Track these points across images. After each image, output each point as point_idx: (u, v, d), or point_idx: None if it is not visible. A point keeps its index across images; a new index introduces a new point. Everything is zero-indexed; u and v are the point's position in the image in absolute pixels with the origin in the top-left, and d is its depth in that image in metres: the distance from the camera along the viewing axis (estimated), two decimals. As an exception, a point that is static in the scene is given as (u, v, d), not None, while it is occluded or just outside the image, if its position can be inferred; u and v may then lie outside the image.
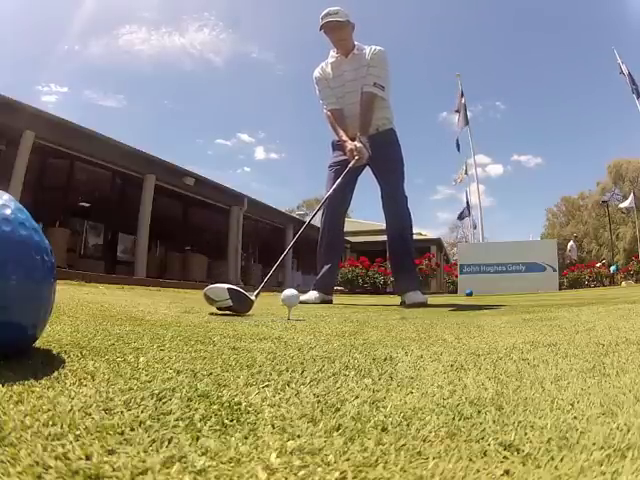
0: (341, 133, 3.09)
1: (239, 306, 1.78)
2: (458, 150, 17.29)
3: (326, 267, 3.25)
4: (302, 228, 2.73)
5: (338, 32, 3.09)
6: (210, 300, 1.78)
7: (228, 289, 1.75)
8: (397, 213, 3.21)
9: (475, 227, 19.62)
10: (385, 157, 3.15)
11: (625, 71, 15.03)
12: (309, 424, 0.45)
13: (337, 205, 3.22)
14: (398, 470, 0.35)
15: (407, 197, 3.24)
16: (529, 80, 58.77)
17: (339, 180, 2.91)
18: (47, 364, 0.65)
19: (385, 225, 3.28)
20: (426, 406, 0.53)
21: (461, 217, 19.85)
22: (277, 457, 0.37)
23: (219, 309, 1.78)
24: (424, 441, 0.42)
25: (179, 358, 0.76)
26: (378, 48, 3.13)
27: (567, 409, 0.52)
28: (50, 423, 0.41)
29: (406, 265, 3.27)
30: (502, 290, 8.66)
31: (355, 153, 2.95)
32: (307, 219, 2.93)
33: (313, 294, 3.15)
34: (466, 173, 17.80)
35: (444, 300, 4.79)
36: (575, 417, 0.49)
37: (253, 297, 1.89)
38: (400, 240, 3.22)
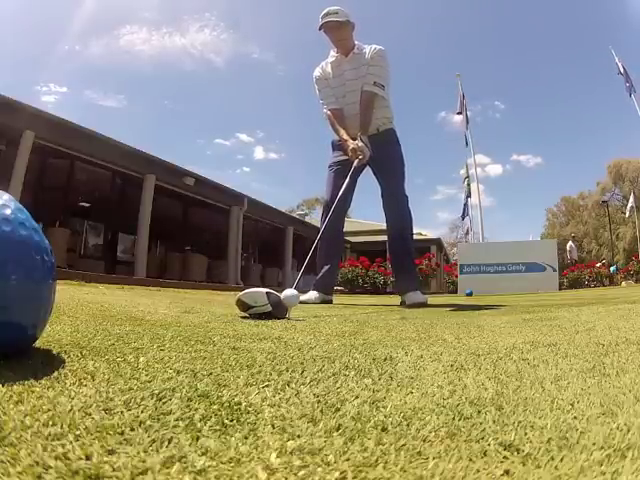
0: (342, 132, 3.09)
1: (278, 311, 1.66)
2: (467, 145, 17.11)
3: (326, 267, 3.25)
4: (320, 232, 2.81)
5: (337, 32, 3.09)
6: (245, 306, 1.66)
7: (267, 293, 1.65)
8: (397, 213, 3.21)
9: (467, 233, 19.59)
10: (385, 157, 3.15)
11: (621, 69, 15.03)
12: (309, 424, 0.45)
13: (339, 206, 3.24)
14: (398, 470, 0.35)
15: (408, 197, 3.24)
16: (528, 79, 58.82)
17: (347, 181, 2.91)
18: (47, 364, 0.65)
19: (385, 225, 3.29)
20: (426, 406, 0.53)
21: (464, 216, 19.79)
22: (277, 457, 0.37)
23: (252, 315, 1.65)
24: (424, 441, 0.42)
25: (179, 358, 0.76)
26: (378, 47, 3.13)
27: (567, 409, 0.52)
28: (50, 423, 0.41)
29: (406, 265, 3.27)
30: (502, 290, 8.66)
31: (358, 153, 2.96)
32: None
33: (313, 294, 3.15)
34: (467, 175, 17.73)
35: (444, 300, 4.79)
36: (575, 417, 0.49)
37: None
38: (400, 240, 3.22)
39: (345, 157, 3.09)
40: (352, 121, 3.12)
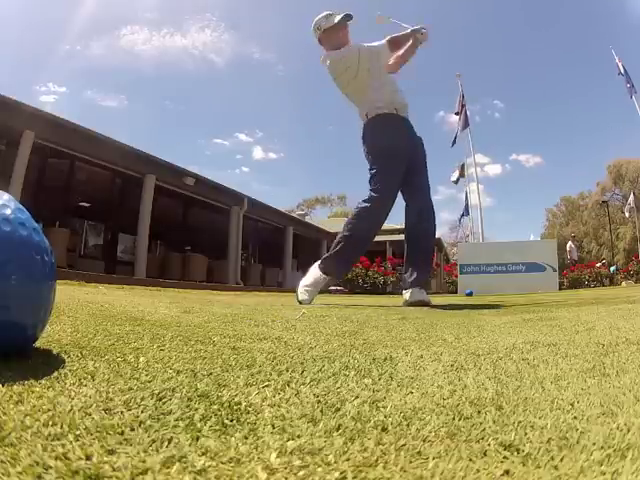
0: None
1: None
2: (452, 145, 16.92)
3: (349, 258, 3.16)
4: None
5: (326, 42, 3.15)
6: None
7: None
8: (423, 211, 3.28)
9: (468, 235, 19.53)
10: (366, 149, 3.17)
11: (622, 69, 14.97)
12: (309, 424, 0.45)
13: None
14: (398, 470, 0.35)
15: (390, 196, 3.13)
16: (528, 78, 58.81)
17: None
18: (47, 364, 0.65)
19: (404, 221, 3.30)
20: (426, 406, 0.53)
21: (460, 220, 19.76)
22: (277, 457, 0.37)
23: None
24: (424, 441, 0.42)
25: (179, 358, 0.76)
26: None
27: (567, 409, 0.52)
28: (50, 423, 0.41)
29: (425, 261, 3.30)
30: (502, 290, 8.65)
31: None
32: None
33: (321, 276, 2.91)
34: (463, 175, 17.61)
35: (444, 300, 4.79)
36: (575, 417, 0.49)
37: None
38: (426, 234, 3.25)
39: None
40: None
